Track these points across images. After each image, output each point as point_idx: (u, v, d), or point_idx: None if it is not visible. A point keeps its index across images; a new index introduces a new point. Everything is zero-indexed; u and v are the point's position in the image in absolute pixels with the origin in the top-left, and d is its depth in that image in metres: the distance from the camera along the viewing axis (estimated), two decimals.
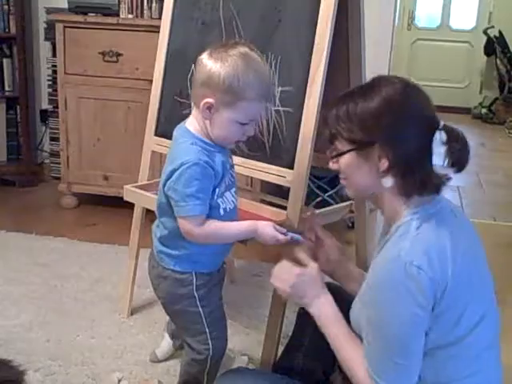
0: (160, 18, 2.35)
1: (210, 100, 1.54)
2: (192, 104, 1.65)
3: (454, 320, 1.28)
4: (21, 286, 2.63)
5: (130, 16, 3.42)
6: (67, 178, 3.58)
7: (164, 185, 1.60)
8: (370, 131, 1.34)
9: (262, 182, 2.51)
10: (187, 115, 2.13)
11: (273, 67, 1.92)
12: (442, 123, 1.34)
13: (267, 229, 1.63)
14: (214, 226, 1.59)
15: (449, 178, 1.34)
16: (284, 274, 1.54)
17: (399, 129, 1.33)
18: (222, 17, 2.08)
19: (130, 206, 2.27)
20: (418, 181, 1.33)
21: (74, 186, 3.58)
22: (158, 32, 2.29)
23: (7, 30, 3.75)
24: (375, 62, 3.30)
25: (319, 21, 1.81)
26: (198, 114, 1.60)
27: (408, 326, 1.26)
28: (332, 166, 1.44)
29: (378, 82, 1.39)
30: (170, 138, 2.18)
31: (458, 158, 1.33)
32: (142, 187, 2.20)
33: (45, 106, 4.06)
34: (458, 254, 1.29)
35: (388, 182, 1.35)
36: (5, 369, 1.94)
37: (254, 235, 1.64)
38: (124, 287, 2.40)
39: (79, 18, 3.38)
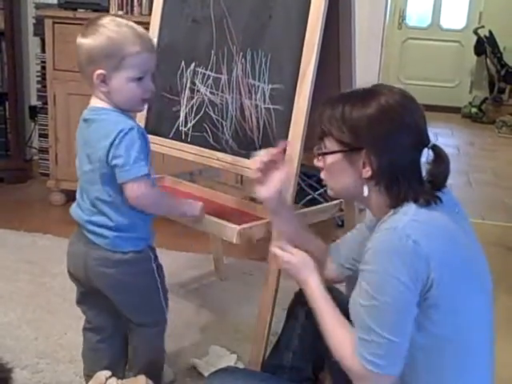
0: (150, 15, 2.34)
1: (100, 71, 1.60)
2: (90, 86, 1.66)
3: (451, 310, 1.27)
4: (9, 283, 2.61)
5: (120, 12, 3.41)
6: (56, 174, 3.57)
7: (106, 161, 1.60)
8: (360, 137, 1.35)
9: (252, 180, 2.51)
10: (177, 112, 2.14)
11: (263, 65, 1.92)
12: (431, 142, 1.36)
13: (198, 206, 1.79)
14: (159, 193, 1.69)
15: (439, 198, 1.33)
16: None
17: (389, 140, 1.34)
18: (213, 13, 2.07)
19: None
20: (403, 194, 1.34)
21: (62, 182, 3.57)
22: (148, 29, 2.28)
23: None
24: (366, 61, 3.30)
25: (310, 19, 1.80)
26: (97, 91, 1.64)
27: (399, 299, 1.24)
28: (317, 162, 1.46)
29: (378, 89, 1.40)
30: (160, 135, 2.19)
31: (438, 178, 1.36)
32: None
33: (34, 102, 4.03)
34: (458, 245, 1.30)
35: (365, 190, 1.38)
36: None
37: (194, 213, 1.78)
38: None
39: (68, 13, 3.37)
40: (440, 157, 1.36)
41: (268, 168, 1.64)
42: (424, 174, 1.37)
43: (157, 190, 1.68)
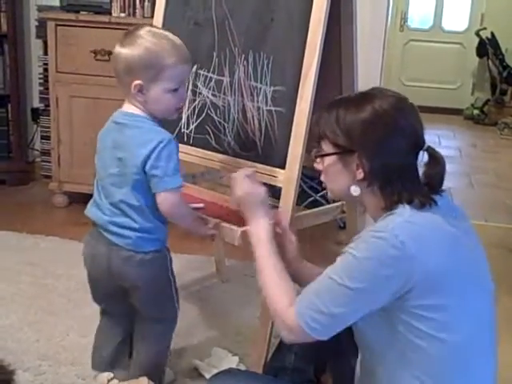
0: (152, 17, 2.34)
1: (138, 81, 1.64)
2: (126, 94, 1.71)
3: (450, 313, 1.28)
4: (11, 285, 2.62)
5: (123, 15, 3.41)
6: (58, 176, 3.57)
7: (143, 168, 1.64)
8: (353, 140, 1.37)
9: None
10: (179, 115, 2.14)
11: (265, 67, 1.92)
12: (426, 145, 1.37)
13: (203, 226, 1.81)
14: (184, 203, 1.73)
15: (434, 201, 1.33)
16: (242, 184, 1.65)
17: (381, 144, 1.35)
18: (215, 16, 2.07)
19: None
20: (396, 195, 1.34)
21: (65, 184, 3.57)
22: None
23: None
24: (368, 63, 3.30)
25: (311, 21, 1.81)
26: (134, 100, 1.69)
27: (363, 289, 1.26)
28: (316, 165, 1.48)
29: (374, 93, 1.41)
30: None
31: (433, 180, 1.36)
32: None
33: (36, 104, 4.03)
34: (455, 248, 1.30)
35: (354, 190, 1.40)
36: None
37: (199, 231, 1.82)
38: None
39: (71, 16, 3.37)
40: (435, 158, 1.37)
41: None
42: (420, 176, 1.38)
43: (183, 204, 1.74)
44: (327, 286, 1.30)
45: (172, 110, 1.72)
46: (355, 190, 1.41)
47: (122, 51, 1.65)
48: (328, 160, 1.43)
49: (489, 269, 1.40)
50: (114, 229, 1.72)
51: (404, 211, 1.31)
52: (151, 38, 1.65)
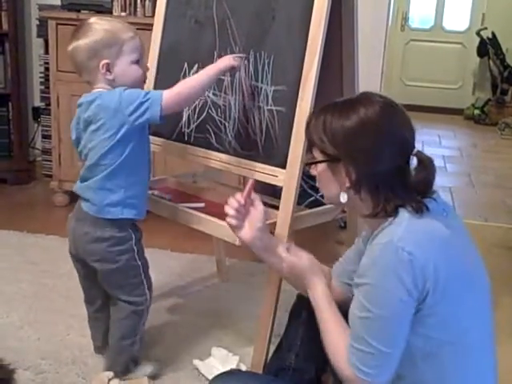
0: (153, 16, 2.34)
1: (105, 61, 1.77)
2: (91, 81, 1.84)
3: (449, 314, 1.28)
4: (12, 284, 2.62)
5: (123, 14, 3.41)
6: (59, 175, 3.57)
7: (127, 117, 1.73)
8: (338, 148, 1.38)
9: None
10: (180, 113, 2.14)
11: (266, 66, 1.92)
12: (415, 150, 1.36)
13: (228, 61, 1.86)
14: (181, 85, 1.79)
15: (426, 206, 1.33)
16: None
17: (366, 152, 1.35)
18: (216, 15, 2.07)
19: None
20: (384, 203, 1.35)
21: (65, 183, 3.57)
22: (151, 30, 2.28)
23: None
24: (369, 63, 3.30)
25: (312, 20, 1.81)
26: (101, 83, 1.81)
27: (394, 311, 1.26)
28: (312, 171, 1.49)
29: (360, 99, 1.40)
30: (162, 136, 2.20)
31: (421, 185, 1.35)
32: None
33: (37, 103, 4.03)
34: (452, 251, 1.30)
35: (345, 197, 1.41)
36: None
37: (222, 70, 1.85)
38: None
39: (72, 15, 3.37)
40: (422, 163, 1.36)
41: (242, 212, 1.66)
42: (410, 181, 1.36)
43: (173, 89, 1.78)
44: (362, 326, 1.30)
45: (139, 81, 1.84)
46: (343, 197, 1.41)
47: (81, 42, 1.78)
48: (318, 167, 1.44)
49: (483, 266, 1.40)
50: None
51: (402, 220, 1.31)
52: (103, 22, 1.81)
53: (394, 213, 1.33)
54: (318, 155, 1.43)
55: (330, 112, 1.40)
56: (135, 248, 1.87)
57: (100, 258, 1.85)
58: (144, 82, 1.88)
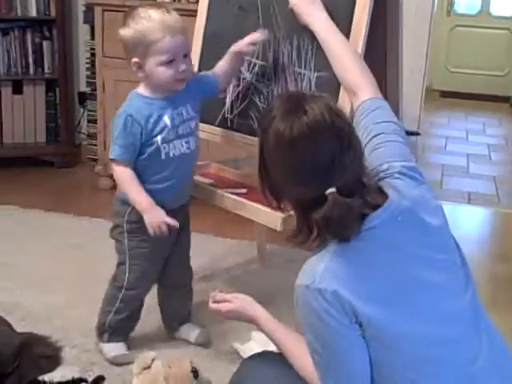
0: (197, 2, 2.36)
1: (134, 59, 1.82)
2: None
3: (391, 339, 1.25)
4: (56, 264, 2.69)
5: (168, 0, 3.44)
6: (104, 159, 3.62)
7: None
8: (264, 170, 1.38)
9: None
10: (223, 99, 2.16)
11: (309, 52, 1.92)
12: (333, 189, 1.23)
13: (155, 219, 1.85)
14: (126, 176, 1.89)
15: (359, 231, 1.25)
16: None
17: (282, 179, 1.32)
18: (259, 1, 2.08)
19: None
20: (307, 228, 1.33)
21: (110, 167, 3.62)
22: (195, 16, 2.30)
23: (47, 13, 3.79)
24: (413, 49, 3.27)
25: (356, 6, 1.80)
26: (140, 78, 1.88)
27: (341, 344, 1.25)
28: None
29: (277, 114, 1.30)
30: (206, 122, 2.22)
31: (333, 227, 1.26)
32: None
33: (83, 88, 4.10)
34: (391, 268, 1.27)
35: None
36: (43, 345, 2.01)
37: (143, 215, 1.87)
38: None
39: (118, 1, 3.40)
40: (339, 202, 1.23)
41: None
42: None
43: (117, 174, 1.92)
44: (318, 367, 1.31)
45: (170, 82, 1.85)
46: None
47: (120, 33, 1.85)
48: None
49: (452, 244, 1.36)
50: None
51: (326, 253, 1.27)
52: (139, 19, 1.80)
53: (322, 242, 1.30)
54: None
55: (262, 127, 1.37)
56: (125, 227, 1.97)
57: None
58: (179, 81, 1.86)
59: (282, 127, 1.26)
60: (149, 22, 1.79)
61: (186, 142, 1.94)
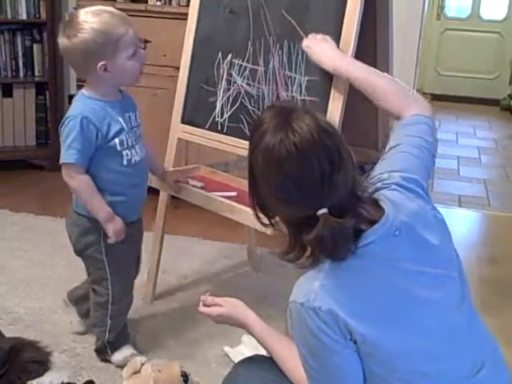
0: (188, 6, 2.36)
1: (101, 62, 1.74)
2: (87, 79, 1.85)
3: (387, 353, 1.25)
4: (46, 268, 2.68)
5: (158, 3, 3.43)
6: None
7: None
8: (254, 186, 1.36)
9: None
10: (214, 103, 2.16)
11: (300, 56, 1.93)
12: (324, 210, 1.21)
13: (117, 227, 1.83)
14: (85, 183, 1.81)
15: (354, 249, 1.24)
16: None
17: (271, 198, 1.31)
18: (250, 5, 2.08)
19: (155, 192, 2.28)
20: (305, 251, 1.31)
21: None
22: (186, 19, 2.30)
23: (37, 16, 3.77)
24: (403, 53, 3.28)
25: (347, 10, 1.81)
26: (97, 81, 1.80)
27: (335, 361, 1.25)
28: None
29: (268, 130, 1.28)
30: (196, 125, 2.22)
31: (325, 248, 1.24)
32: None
33: (73, 91, 4.08)
34: (385, 285, 1.26)
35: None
36: (32, 350, 1.99)
37: (105, 225, 1.83)
38: (148, 272, 2.42)
39: (108, 4, 3.39)
40: (331, 222, 1.21)
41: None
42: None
43: (75, 182, 1.81)
44: (310, 376, 1.31)
45: (137, 74, 1.84)
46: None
47: (72, 42, 1.72)
48: None
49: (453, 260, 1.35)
50: None
51: (319, 273, 1.26)
52: (92, 19, 1.72)
53: (315, 260, 1.28)
54: None
55: (256, 135, 1.35)
56: (102, 243, 1.89)
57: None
58: (141, 73, 1.85)
59: (271, 145, 1.24)
60: (106, 17, 1.73)
61: (139, 148, 1.91)
